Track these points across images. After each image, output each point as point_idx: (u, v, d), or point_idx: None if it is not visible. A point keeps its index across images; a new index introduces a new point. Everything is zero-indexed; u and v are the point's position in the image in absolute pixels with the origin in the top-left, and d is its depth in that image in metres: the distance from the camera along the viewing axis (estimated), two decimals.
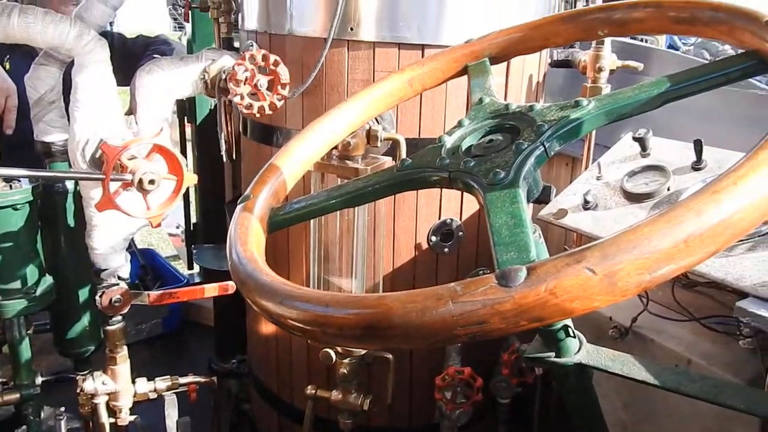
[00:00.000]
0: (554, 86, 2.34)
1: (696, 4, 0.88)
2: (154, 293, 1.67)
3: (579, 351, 0.88)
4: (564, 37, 1.04)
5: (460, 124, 0.90)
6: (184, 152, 2.53)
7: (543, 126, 0.81)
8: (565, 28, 1.02)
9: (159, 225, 1.48)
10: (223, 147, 1.70)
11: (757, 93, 1.60)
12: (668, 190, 1.36)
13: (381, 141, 1.50)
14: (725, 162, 1.36)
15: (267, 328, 1.96)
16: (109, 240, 1.62)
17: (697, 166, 1.38)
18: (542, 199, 0.94)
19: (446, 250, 1.71)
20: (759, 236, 1.17)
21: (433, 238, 1.70)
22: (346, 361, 1.60)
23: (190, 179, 1.45)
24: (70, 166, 1.55)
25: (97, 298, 1.61)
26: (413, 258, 1.71)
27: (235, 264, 0.74)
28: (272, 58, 1.49)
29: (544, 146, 0.79)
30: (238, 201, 0.90)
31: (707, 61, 0.84)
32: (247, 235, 0.82)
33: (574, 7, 1.79)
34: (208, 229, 2.64)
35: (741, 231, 0.54)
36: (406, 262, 1.72)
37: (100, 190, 1.42)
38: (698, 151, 1.38)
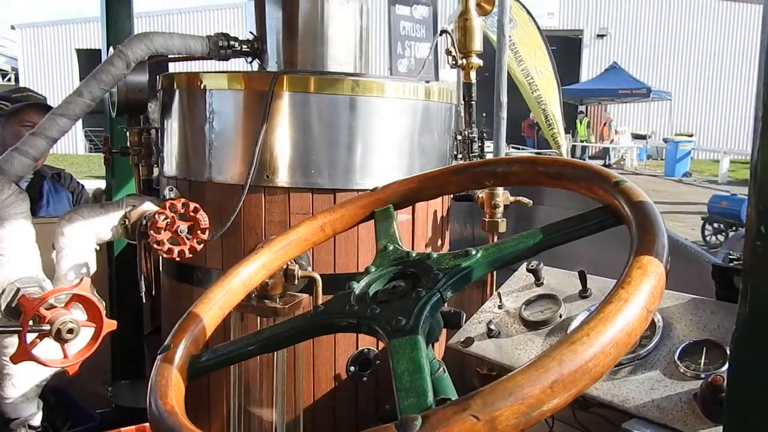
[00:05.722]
0: (460, 212, 2.52)
1: (561, 162, 1.05)
2: None
3: None
4: (456, 187, 1.19)
5: (367, 271, 1.01)
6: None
7: (438, 275, 0.92)
8: (457, 179, 1.16)
9: (77, 372, 1.47)
10: (143, 288, 1.73)
11: None
12: (560, 317, 1.51)
13: (298, 279, 1.58)
14: (606, 289, 1.52)
15: None
16: (21, 388, 1.60)
17: (583, 294, 1.55)
18: (453, 324, 1.04)
19: (365, 378, 1.77)
20: (638, 359, 1.31)
21: (352, 368, 1.76)
22: None
23: (110, 326, 1.47)
24: None
25: None
26: (333, 389, 1.76)
27: (155, 417, 0.79)
28: (192, 205, 1.58)
29: (441, 293, 0.91)
30: (159, 351, 0.95)
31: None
32: (168, 387, 0.87)
33: (469, 156, 2.00)
34: (124, 363, 2.58)
35: (597, 375, 0.66)
36: (326, 393, 1.76)
37: (15, 340, 1.42)
38: (583, 281, 1.55)
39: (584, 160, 21.91)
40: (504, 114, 4.97)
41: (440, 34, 2.06)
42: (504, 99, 4.94)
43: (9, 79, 26.99)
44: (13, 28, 27.17)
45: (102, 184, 2.82)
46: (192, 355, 0.95)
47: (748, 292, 0.84)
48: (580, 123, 22.55)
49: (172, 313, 1.91)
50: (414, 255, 1.00)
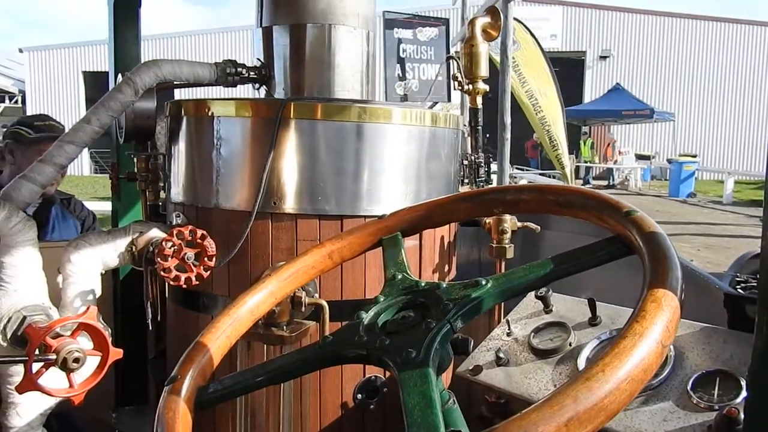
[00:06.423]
0: (466, 236, 2.51)
1: (571, 191, 1.04)
2: None
3: None
4: (465, 214, 1.18)
5: (376, 301, 1.00)
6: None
7: (448, 305, 0.91)
8: (465, 206, 1.16)
9: (82, 402, 1.46)
10: (149, 315, 1.72)
11: None
12: (570, 345, 1.50)
13: (305, 307, 1.57)
14: (616, 317, 1.52)
15: None
16: (26, 417, 1.58)
17: (593, 322, 1.54)
18: (461, 351, 1.03)
19: (372, 406, 1.75)
20: (650, 389, 1.29)
21: (359, 396, 1.74)
22: None
23: (116, 354, 1.46)
24: None
25: None
26: (340, 417, 1.74)
27: None
28: (199, 232, 1.57)
29: (451, 324, 0.89)
30: (166, 382, 0.94)
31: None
32: (175, 420, 0.86)
33: (476, 181, 2.00)
34: (128, 388, 2.56)
35: (613, 412, 0.65)
36: (333, 421, 1.74)
37: (21, 368, 1.41)
38: (592, 308, 1.54)
39: (588, 180, 22.00)
40: (508, 135, 4.96)
41: (446, 60, 2.07)
42: (508, 120, 4.94)
43: (16, 102, 27.27)
44: (21, 51, 27.51)
45: (108, 206, 2.82)
46: (199, 387, 0.94)
47: (764, 324, 0.83)
48: (584, 144, 22.60)
49: (177, 339, 1.90)
50: (423, 284, 0.99)
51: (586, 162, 22.44)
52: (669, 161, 21.20)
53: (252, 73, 1.87)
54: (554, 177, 15.97)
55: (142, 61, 1.76)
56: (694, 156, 21.77)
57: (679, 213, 15.21)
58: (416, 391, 0.78)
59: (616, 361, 0.66)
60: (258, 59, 1.91)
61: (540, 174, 18.68)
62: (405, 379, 0.80)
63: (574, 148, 19.27)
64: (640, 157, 23.36)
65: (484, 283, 0.93)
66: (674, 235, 11.29)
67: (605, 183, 22.08)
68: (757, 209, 15.61)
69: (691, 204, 17.42)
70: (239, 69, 1.86)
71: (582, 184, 19.72)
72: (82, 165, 24.20)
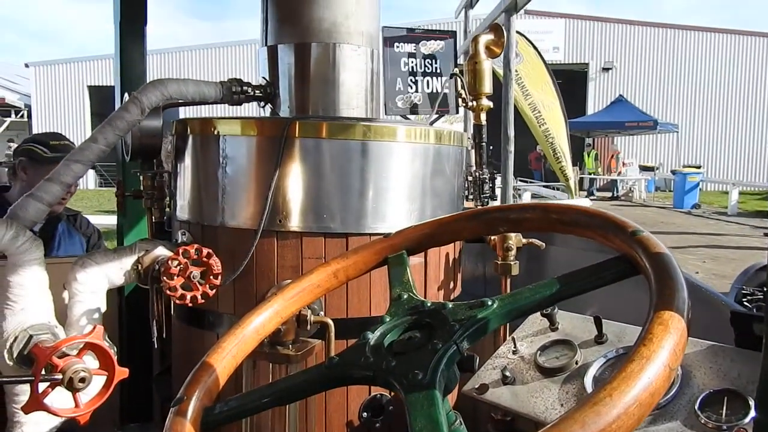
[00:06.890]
0: (471, 252, 2.51)
1: (576, 210, 1.04)
2: None
3: None
4: (469, 232, 1.18)
5: (382, 321, 1.00)
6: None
7: (454, 326, 0.91)
8: (470, 225, 1.16)
9: (87, 422, 1.46)
10: (155, 333, 1.72)
11: None
12: (576, 363, 1.49)
13: (311, 325, 1.57)
14: (623, 335, 1.52)
15: None
16: None
17: (599, 340, 1.53)
18: (467, 368, 1.03)
19: (378, 425, 1.75)
20: (657, 409, 1.28)
21: (365, 414, 1.73)
22: None
23: (121, 374, 1.47)
24: None
25: None
26: None
27: None
28: (205, 251, 1.57)
29: (457, 345, 0.89)
30: (172, 403, 0.94)
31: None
32: None
33: (481, 197, 2.00)
34: (133, 405, 2.56)
35: None
36: None
37: (27, 388, 1.41)
38: (598, 326, 1.53)
39: (592, 192, 21.98)
40: (511, 147, 4.97)
41: (450, 77, 2.08)
42: (511, 133, 4.94)
43: (22, 116, 27.47)
44: (27, 65, 27.74)
45: (112, 219, 2.83)
46: (205, 408, 0.94)
47: None
48: (588, 155, 22.61)
49: (182, 356, 1.90)
50: (429, 304, 0.99)
51: (590, 174, 22.44)
52: (673, 172, 21.18)
53: (257, 91, 1.88)
54: (558, 189, 15.96)
55: (148, 78, 1.77)
56: (699, 167, 21.76)
57: (684, 224, 15.17)
58: (423, 414, 0.78)
59: (624, 385, 0.66)
60: (263, 78, 1.92)
61: (544, 186, 18.66)
62: (411, 402, 0.80)
63: (577, 159, 19.27)
64: (644, 169, 23.35)
65: (489, 303, 0.93)
66: (679, 247, 11.26)
67: (609, 194, 22.06)
68: (762, 220, 15.57)
69: (695, 215, 17.38)
70: (245, 87, 1.87)
71: (586, 196, 19.72)
72: (88, 179, 24.30)
